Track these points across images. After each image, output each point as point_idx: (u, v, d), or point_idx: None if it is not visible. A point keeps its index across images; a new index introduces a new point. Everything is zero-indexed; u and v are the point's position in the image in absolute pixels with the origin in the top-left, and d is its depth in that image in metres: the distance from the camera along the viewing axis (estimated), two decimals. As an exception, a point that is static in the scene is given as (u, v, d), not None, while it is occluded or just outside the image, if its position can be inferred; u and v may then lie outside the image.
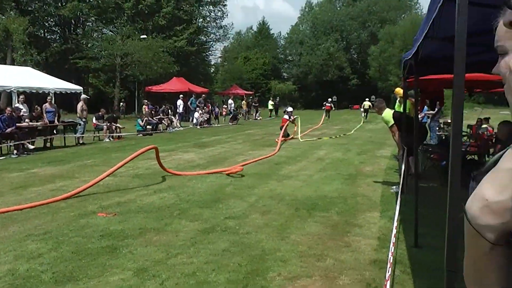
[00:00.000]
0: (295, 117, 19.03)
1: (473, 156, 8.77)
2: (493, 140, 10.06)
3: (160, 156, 11.97)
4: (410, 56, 4.74)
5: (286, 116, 18.19)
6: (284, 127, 16.94)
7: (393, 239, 3.37)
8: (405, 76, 6.75)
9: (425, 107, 12.19)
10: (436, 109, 11.83)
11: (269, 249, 4.65)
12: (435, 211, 6.16)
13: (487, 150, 8.89)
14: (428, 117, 12.51)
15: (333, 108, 34.32)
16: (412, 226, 4.93)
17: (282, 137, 16.14)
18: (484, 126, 12.18)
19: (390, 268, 2.76)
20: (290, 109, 19.38)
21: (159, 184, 8.30)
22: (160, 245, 4.82)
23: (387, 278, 2.65)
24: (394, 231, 3.66)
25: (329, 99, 33.81)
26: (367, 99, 33.34)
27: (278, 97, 44.67)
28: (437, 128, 12.82)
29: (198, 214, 6.11)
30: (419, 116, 10.19)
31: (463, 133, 12.72)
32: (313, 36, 62.33)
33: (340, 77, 58.86)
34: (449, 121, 15.89)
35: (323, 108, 33.22)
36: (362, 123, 26.04)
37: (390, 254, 3.02)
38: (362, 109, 32.88)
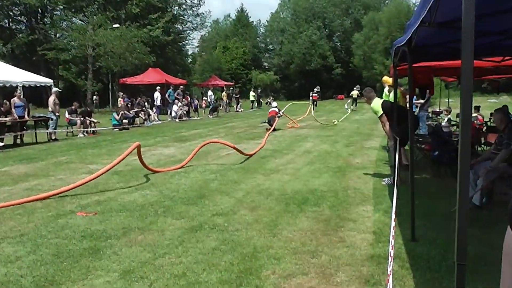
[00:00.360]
0: (282, 111, 19.48)
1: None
2: (484, 129, 10.23)
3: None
4: (403, 43, 4.73)
5: (276, 109, 18.34)
6: (276, 121, 17.39)
7: (392, 233, 3.39)
8: (396, 63, 6.78)
9: (414, 96, 12.30)
10: (426, 98, 11.96)
11: (261, 247, 4.64)
12: (428, 202, 6.26)
13: (479, 140, 9.03)
14: (417, 106, 12.65)
15: (319, 98, 34.64)
16: (407, 219, 4.98)
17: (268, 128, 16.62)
18: (474, 115, 12.37)
19: (391, 263, 2.77)
20: (275, 103, 19.48)
21: (140, 180, 8.22)
22: (146, 245, 4.76)
23: (389, 273, 2.66)
24: (393, 223, 3.67)
25: (315, 89, 34.10)
26: (355, 88, 33.88)
27: (259, 88, 44.70)
28: (426, 118, 12.95)
29: (183, 211, 6.06)
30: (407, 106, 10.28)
31: (453, 123, 12.90)
32: (294, 23, 62.43)
33: (323, 66, 59.13)
34: (438, 110, 16.14)
35: (310, 98, 33.54)
36: (348, 113, 26.19)
37: (390, 248, 3.03)
38: (349, 100, 33.39)
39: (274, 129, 17.12)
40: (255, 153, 11.13)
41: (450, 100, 18.37)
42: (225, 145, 10.69)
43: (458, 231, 2.04)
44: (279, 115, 18.34)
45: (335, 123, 20.03)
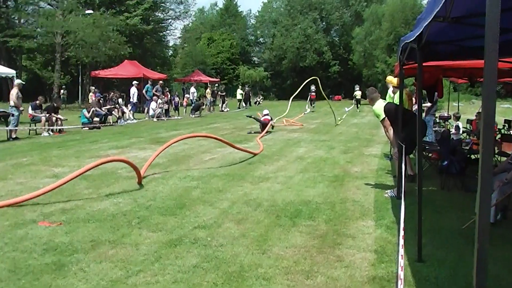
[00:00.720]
0: (274, 120, 19.72)
1: (477, 156, 8.91)
2: (497, 137, 10.29)
3: (111, 153, 11.75)
4: (412, 39, 4.70)
5: (268, 117, 18.43)
6: (268, 126, 17.62)
7: (401, 252, 3.34)
8: (403, 62, 6.78)
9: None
10: (433, 101, 12.00)
11: (249, 265, 4.58)
12: (436, 218, 6.25)
13: (492, 148, 9.06)
14: (423, 110, 12.69)
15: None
16: (412, 236, 4.95)
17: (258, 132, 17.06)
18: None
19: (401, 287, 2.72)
20: (266, 111, 19.55)
21: (112, 186, 8.10)
22: (118, 260, 4.67)
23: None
24: (402, 241, 3.63)
25: (313, 88, 34.52)
26: (357, 87, 34.74)
27: (248, 85, 44.70)
28: (432, 123, 12.99)
29: (161, 223, 5.98)
30: (413, 109, 10.31)
31: (463, 129, 12.97)
32: (288, 15, 62.59)
33: (319, 63, 59.35)
34: (446, 115, 16.23)
35: (309, 98, 33.85)
36: (344, 116, 26.25)
37: (399, 269, 2.98)
38: (353, 102, 34.48)
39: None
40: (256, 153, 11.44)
41: (460, 104, 18.49)
42: (212, 138, 10.95)
43: (478, 252, 1.99)
44: (272, 124, 18.43)
45: (340, 120, 20.65)
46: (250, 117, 19.58)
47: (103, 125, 19.80)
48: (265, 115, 18.74)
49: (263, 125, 17.60)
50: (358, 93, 34.23)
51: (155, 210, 6.59)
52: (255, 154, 11.43)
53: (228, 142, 11.58)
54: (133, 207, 6.74)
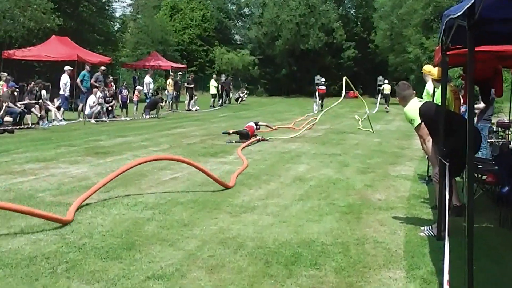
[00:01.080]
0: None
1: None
2: None
3: (28, 169, 11.67)
4: (460, 13, 4.71)
5: (252, 124, 18.52)
6: (251, 140, 17.82)
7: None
8: (446, 45, 6.81)
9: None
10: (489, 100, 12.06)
11: (225, 333, 4.54)
12: (493, 267, 6.25)
13: None
14: (475, 113, 12.75)
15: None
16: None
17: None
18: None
19: None
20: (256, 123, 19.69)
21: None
22: (35, 325, 4.61)
23: None
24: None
25: (323, 79, 34.97)
26: (386, 80, 35.53)
27: (226, 75, 44.69)
28: (487, 133, 13.03)
29: (99, 270, 5.91)
30: (461, 111, 10.36)
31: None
32: (284, -23, 63.02)
33: (327, 46, 59.65)
34: (506, 120, 16.29)
35: (316, 92, 34.29)
36: (363, 119, 26.40)
37: None
38: (379, 97, 35.40)
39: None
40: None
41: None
42: (190, 164, 10.66)
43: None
44: (259, 138, 18.34)
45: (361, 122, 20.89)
46: (227, 133, 19.05)
47: (18, 127, 19.70)
48: (250, 123, 18.89)
49: (242, 135, 17.62)
50: (386, 87, 35.14)
51: (91, 251, 6.52)
52: (226, 187, 10.48)
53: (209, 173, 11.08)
54: (59, 247, 6.67)
